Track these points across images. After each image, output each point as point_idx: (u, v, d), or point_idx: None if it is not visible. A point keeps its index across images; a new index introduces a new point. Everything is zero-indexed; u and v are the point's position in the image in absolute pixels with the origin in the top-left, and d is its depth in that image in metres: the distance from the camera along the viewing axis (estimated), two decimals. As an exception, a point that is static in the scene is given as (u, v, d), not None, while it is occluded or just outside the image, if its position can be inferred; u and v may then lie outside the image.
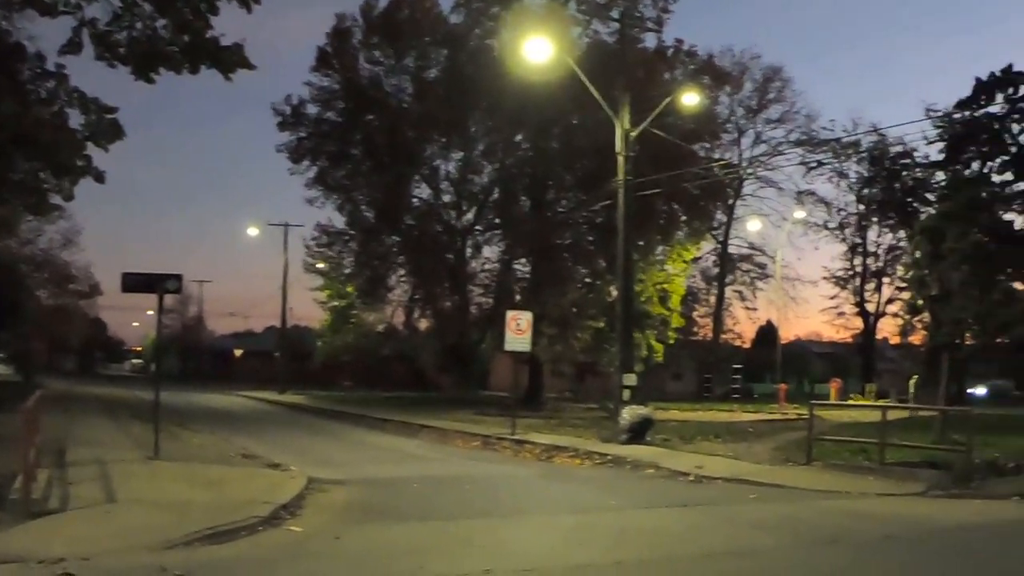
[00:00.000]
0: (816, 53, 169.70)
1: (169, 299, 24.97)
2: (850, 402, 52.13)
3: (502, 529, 14.55)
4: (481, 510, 16.47)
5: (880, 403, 47.07)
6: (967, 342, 34.38)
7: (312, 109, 54.41)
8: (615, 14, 41.85)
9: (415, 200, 55.77)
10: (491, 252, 56.41)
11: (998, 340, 36.55)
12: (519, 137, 53.08)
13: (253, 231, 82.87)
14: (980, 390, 70.66)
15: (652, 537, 14.07)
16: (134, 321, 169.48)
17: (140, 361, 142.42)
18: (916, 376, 50.13)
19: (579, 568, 11.73)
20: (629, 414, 28.71)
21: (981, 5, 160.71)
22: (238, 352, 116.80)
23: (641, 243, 44.50)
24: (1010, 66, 34.21)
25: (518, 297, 51.18)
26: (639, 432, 28.55)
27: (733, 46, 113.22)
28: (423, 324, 61.48)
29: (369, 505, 16.80)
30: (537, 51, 30.41)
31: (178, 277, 21.26)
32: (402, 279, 57.65)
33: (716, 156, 59.54)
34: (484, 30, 51.08)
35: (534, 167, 51.93)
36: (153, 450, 20.57)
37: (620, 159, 30.79)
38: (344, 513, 15.75)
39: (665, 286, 51.96)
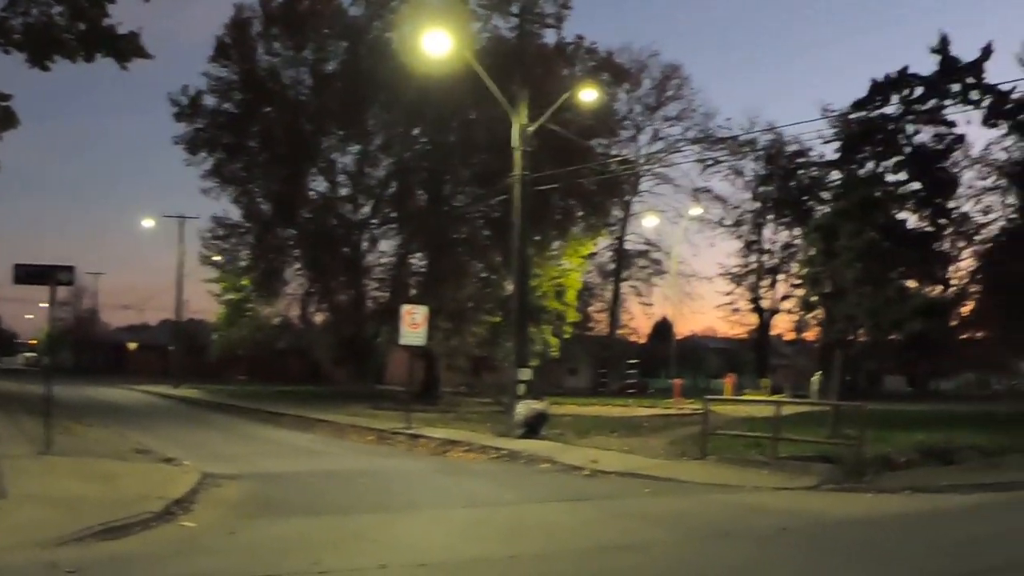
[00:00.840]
0: (715, 52, 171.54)
1: (63, 291, 24.61)
2: (744, 397, 52.72)
3: (397, 524, 14.53)
4: (376, 505, 16.43)
5: (774, 398, 47.63)
6: (860, 339, 34.99)
7: (210, 100, 53.77)
8: (515, 9, 41.85)
9: (312, 193, 55.35)
10: (387, 246, 56.25)
11: (891, 337, 37.20)
12: (417, 131, 52.97)
13: (148, 223, 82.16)
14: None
15: (546, 531, 14.09)
16: (28, 314, 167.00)
17: (34, 354, 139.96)
18: (819, 373, 50.91)
19: (473, 562, 11.75)
20: (524, 409, 28.77)
21: (879, 7, 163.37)
22: (133, 345, 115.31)
23: (537, 238, 44.55)
24: (906, 68, 34.90)
25: (414, 291, 51.18)
26: (534, 427, 28.63)
27: (632, 43, 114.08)
28: (319, 318, 61.08)
29: (263, 500, 16.67)
30: (436, 45, 30.36)
31: (70, 269, 20.94)
32: (298, 272, 57.17)
33: (614, 152, 59.89)
34: (384, 23, 50.88)
35: (431, 161, 51.85)
36: (45, 445, 20.24)
37: (517, 154, 30.84)
38: (238, 508, 15.60)
39: (561, 281, 52.19)
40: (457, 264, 51.10)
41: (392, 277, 54.75)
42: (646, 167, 76.33)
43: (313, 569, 10.79)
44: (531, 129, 31.10)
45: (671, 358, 74.82)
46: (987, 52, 34.77)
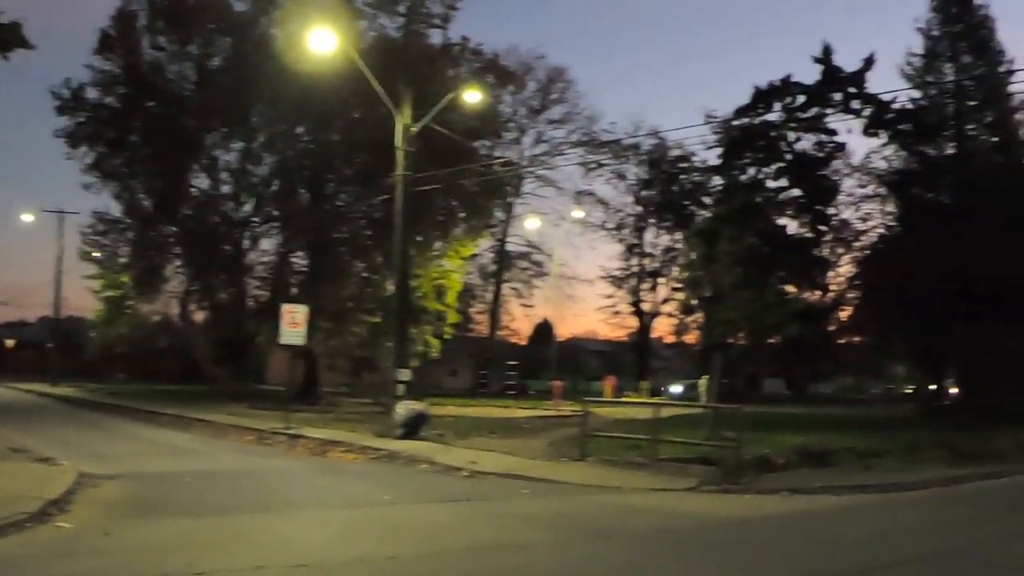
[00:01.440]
0: (601, 56, 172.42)
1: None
2: (624, 399, 53.13)
3: (275, 524, 14.51)
4: (254, 505, 16.36)
5: (654, 400, 48.11)
6: (739, 342, 35.59)
7: (92, 94, 52.81)
8: (402, 9, 41.97)
9: (194, 190, 54.63)
10: (269, 244, 55.75)
11: (769, 340, 37.84)
12: (301, 129, 52.59)
13: (27, 217, 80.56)
14: (676, 388, 72.58)
15: (425, 531, 14.13)
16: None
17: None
18: (706, 376, 51.49)
19: (352, 562, 11.78)
20: (404, 409, 28.81)
21: (764, 16, 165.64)
22: (10, 343, 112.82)
23: (419, 238, 44.59)
24: (789, 76, 35.44)
25: (295, 290, 50.85)
26: (414, 427, 28.68)
27: (519, 45, 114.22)
28: (199, 316, 60.47)
29: (141, 500, 16.56)
30: (321, 42, 30.31)
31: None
32: (178, 270, 56.41)
33: (497, 154, 59.99)
34: (270, 19, 50.47)
35: (314, 160, 51.53)
36: (-86, 444, 19.85)
37: (400, 154, 30.90)
38: (115, 508, 15.46)
39: (442, 282, 52.20)
40: (338, 264, 50.88)
41: (273, 276, 54.34)
42: (529, 169, 76.60)
43: (190, 570, 10.72)
44: (414, 129, 31.18)
45: (552, 360, 75.17)
46: (869, 63, 35.48)
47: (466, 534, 14.10)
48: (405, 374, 30.22)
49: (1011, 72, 47.41)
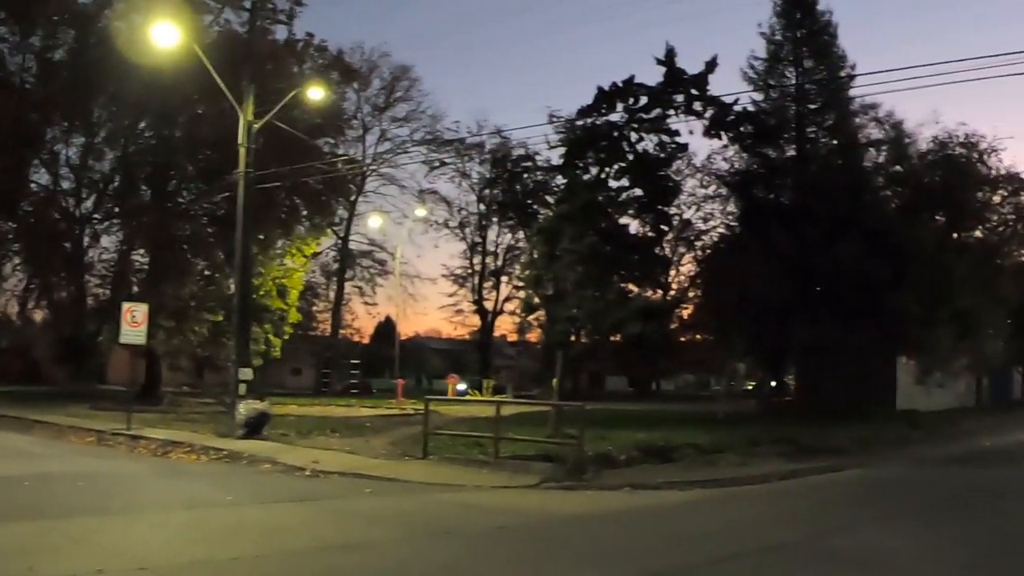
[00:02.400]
0: (446, 55, 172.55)
1: None
2: (467, 397, 53.36)
3: (116, 527, 14.26)
4: (94, 508, 16.03)
5: (496, 398, 48.35)
6: (581, 340, 35.98)
7: (-73, 84, 51.08)
8: (247, 3, 41.47)
9: (33, 185, 53.24)
10: (110, 242, 54.66)
11: (611, 338, 38.31)
12: (143, 124, 51.69)
13: None
14: (461, 386, 73.25)
15: (267, 532, 14.06)
16: None
17: None
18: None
19: (194, 565, 11.65)
20: (246, 409, 28.62)
21: (609, 17, 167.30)
22: None
23: (261, 236, 44.18)
24: (632, 77, 35.60)
25: (136, 288, 50.02)
26: (256, 427, 28.51)
27: (364, 43, 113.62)
28: (38, 315, 59.17)
29: (-24, 503, 16.19)
30: (164, 37, 29.94)
31: None
32: (17, 268, 55.02)
33: (340, 152, 59.79)
34: (114, 12, 49.43)
35: (156, 156, 50.69)
36: None
37: (241, 151, 30.66)
38: (-51, 512, 15.10)
39: (284, 280, 51.90)
40: (180, 262, 50.15)
41: (114, 274, 53.30)
42: (372, 167, 76.41)
43: (29, 575, 10.60)
44: (257, 126, 30.97)
45: (395, 358, 75.05)
46: (711, 65, 35.91)
47: (308, 534, 14.08)
48: (247, 373, 29.99)
49: (851, 77, 48.46)
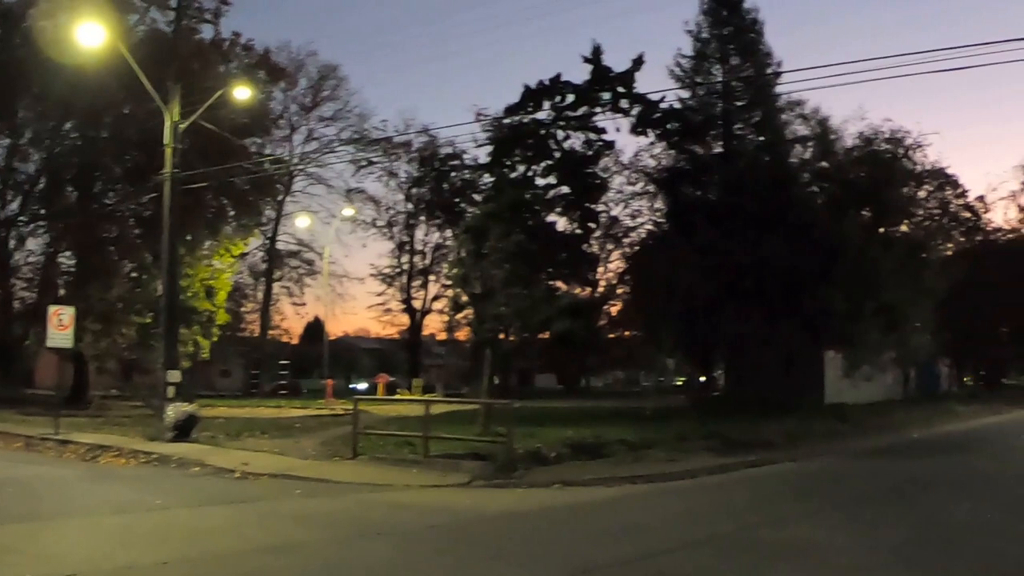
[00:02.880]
0: (373, 53, 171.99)
1: None
2: (397, 397, 53.31)
3: (44, 533, 14.14)
4: (22, 514, 15.89)
5: (426, 397, 48.38)
6: (509, 338, 36.04)
7: None
8: (173, 2, 41.21)
9: (-43, 188, 52.57)
10: (36, 244, 53.97)
11: (539, 336, 38.38)
12: (68, 125, 51.07)
13: None
14: (362, 384, 73.28)
15: (197, 535, 14.04)
16: None
17: None
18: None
19: (123, 570, 11.58)
20: (174, 412, 28.49)
21: (537, 15, 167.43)
22: None
23: (189, 238, 43.95)
24: (559, 75, 35.71)
25: (62, 291, 49.51)
26: (185, 430, 28.39)
27: (291, 42, 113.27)
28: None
29: (-99, 512, 15.99)
30: (90, 36, 29.66)
31: None
32: (-58, 271, 54.19)
33: (268, 152, 59.50)
34: (38, 11, 48.79)
35: (82, 157, 50.02)
36: None
37: (168, 151, 30.50)
38: None
39: (212, 282, 51.49)
40: (107, 264, 49.62)
41: (40, 277, 52.68)
42: (300, 167, 76.03)
43: (-46, 584, 10.54)
44: (183, 126, 30.82)
45: (324, 359, 74.76)
46: (638, 63, 36.07)
47: (238, 537, 14.05)
48: (175, 376, 29.83)
49: (777, 73, 48.85)
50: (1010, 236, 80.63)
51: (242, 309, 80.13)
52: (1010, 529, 15.53)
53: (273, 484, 20.38)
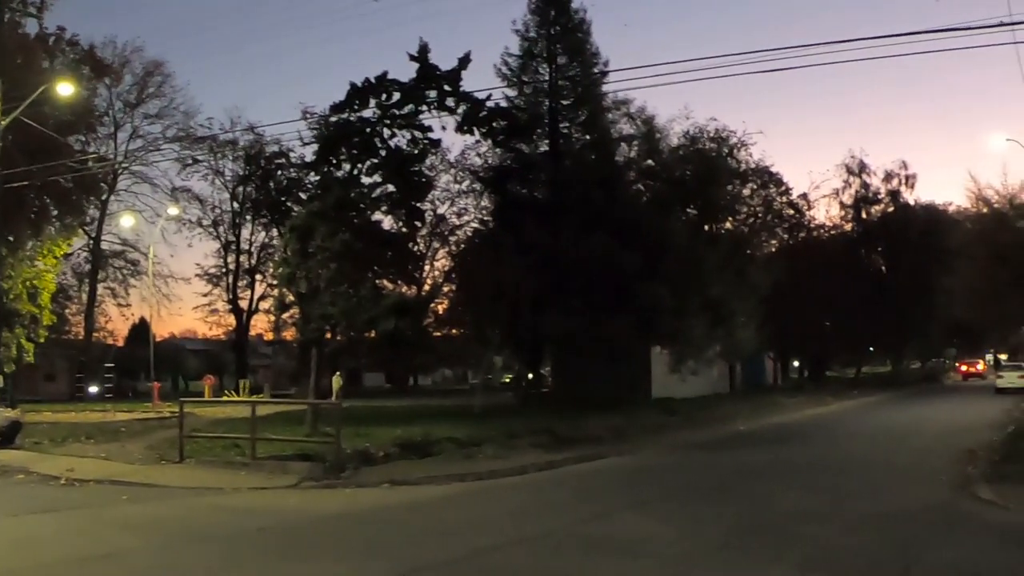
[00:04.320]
0: (200, 49, 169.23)
1: None
2: (224, 398, 52.67)
3: None
4: None
5: (253, 399, 47.89)
6: (336, 337, 35.94)
7: None
8: (-3, -5, 40.17)
9: None
10: None
11: (366, 335, 38.28)
12: None
13: None
14: (93, 388, 73.06)
15: (20, 544, 13.83)
16: None
17: None
18: (338, 373, 51.43)
19: (-58, 582, 11.39)
20: (-2, 418, 27.91)
21: (364, 12, 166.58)
22: None
23: (11, 238, 42.88)
24: (385, 73, 35.70)
25: None
26: (8, 436, 27.85)
27: (117, 37, 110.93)
28: None
29: None
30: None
31: None
32: None
33: (92, 150, 58.31)
34: None
35: None
36: None
37: (-11, 149, 29.79)
38: None
39: (35, 283, 50.26)
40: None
41: None
42: (124, 165, 74.58)
43: None
44: (5, 122, 30.14)
45: (150, 361, 73.44)
46: (464, 61, 36.21)
47: (63, 545, 13.88)
48: (-3, 381, 29.22)
49: (604, 73, 49.21)
50: (832, 233, 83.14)
51: (67, 311, 78.39)
52: (833, 516, 16.07)
53: (99, 490, 20.12)
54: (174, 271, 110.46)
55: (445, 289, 63.14)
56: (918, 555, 12.92)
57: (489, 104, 39.23)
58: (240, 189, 77.02)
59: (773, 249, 71.68)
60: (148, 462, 24.28)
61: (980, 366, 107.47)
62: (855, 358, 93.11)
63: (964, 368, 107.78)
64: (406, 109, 36.33)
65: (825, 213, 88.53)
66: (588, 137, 49.79)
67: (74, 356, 79.65)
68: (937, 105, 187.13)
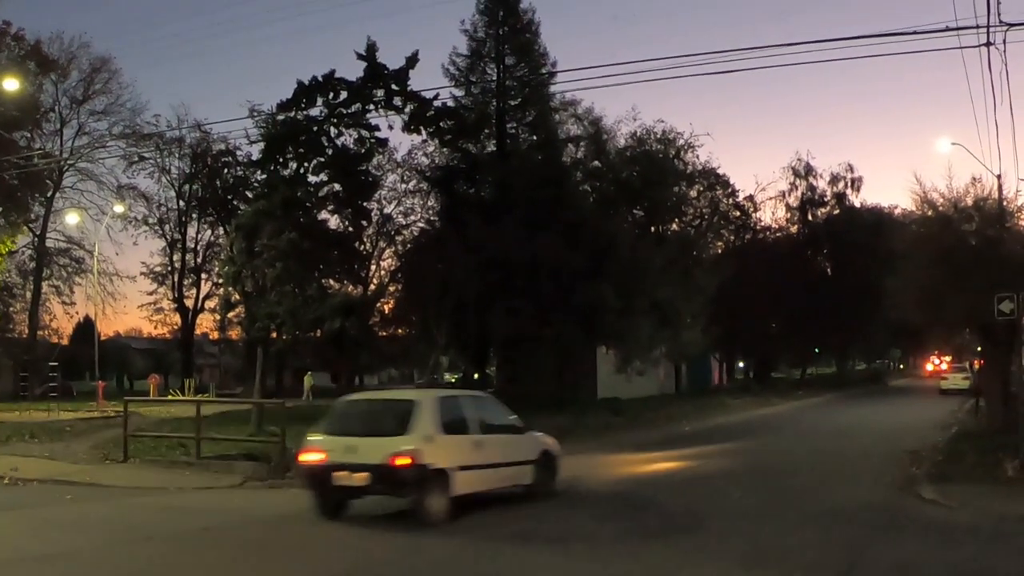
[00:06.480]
0: (147, 45, 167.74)
1: None
2: (169, 398, 52.40)
3: None
4: None
5: (199, 398, 47.64)
6: (282, 336, 35.87)
7: None
8: (-60, -10, 39.84)
9: None
10: None
11: (312, 334, 38.24)
12: None
13: None
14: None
15: (-36, 546, 13.72)
16: None
17: None
18: (310, 373, 51.27)
19: None
20: (-60, 418, 27.70)
21: (314, 10, 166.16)
22: None
23: (-42, 237, 42.57)
24: (332, 72, 35.70)
25: None
26: (-49, 436, 27.57)
27: (64, 32, 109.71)
28: None
29: None
30: None
31: None
32: None
33: (37, 146, 57.90)
34: None
35: None
36: None
37: (-70, 149, 29.53)
38: None
39: (-21, 279, 49.95)
40: None
41: None
42: (70, 162, 73.97)
43: None
44: (-55, 121, 29.85)
45: (95, 360, 72.88)
46: (412, 61, 36.25)
47: (8, 546, 13.81)
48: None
49: (552, 74, 49.32)
50: (778, 235, 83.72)
51: (11, 309, 77.72)
52: (776, 515, 16.25)
53: (43, 490, 20.03)
54: (119, 269, 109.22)
55: (391, 289, 63.04)
56: (861, 553, 13.05)
57: (437, 104, 39.35)
58: (186, 187, 76.62)
59: (720, 251, 72.16)
60: (93, 462, 24.18)
61: (945, 366, 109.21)
62: (801, 359, 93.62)
63: (931, 368, 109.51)
64: (353, 108, 36.35)
65: (771, 215, 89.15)
66: (535, 138, 49.81)
67: (18, 355, 78.94)
68: (884, 109, 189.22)
